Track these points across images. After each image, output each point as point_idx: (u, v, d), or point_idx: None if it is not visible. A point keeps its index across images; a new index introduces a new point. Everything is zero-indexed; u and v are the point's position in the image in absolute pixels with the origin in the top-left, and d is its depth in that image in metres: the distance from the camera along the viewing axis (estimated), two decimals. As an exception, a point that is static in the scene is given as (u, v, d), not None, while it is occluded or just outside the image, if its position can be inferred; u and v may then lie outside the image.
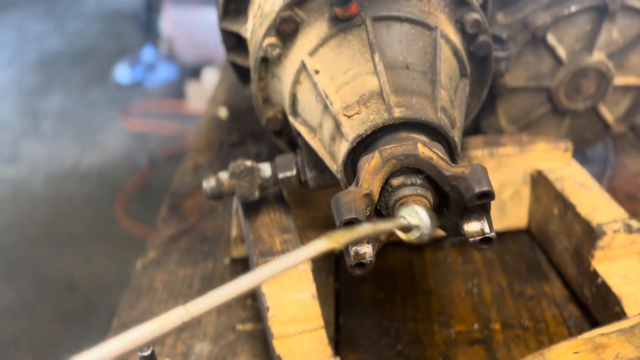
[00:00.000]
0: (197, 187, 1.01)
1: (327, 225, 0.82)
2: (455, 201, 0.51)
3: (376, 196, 0.51)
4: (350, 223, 0.48)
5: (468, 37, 0.65)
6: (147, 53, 4.23)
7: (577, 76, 0.86)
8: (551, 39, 0.83)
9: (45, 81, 4.30)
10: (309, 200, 0.80)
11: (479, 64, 0.68)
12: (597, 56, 0.85)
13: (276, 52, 0.64)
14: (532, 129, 0.92)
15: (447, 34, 0.62)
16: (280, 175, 0.67)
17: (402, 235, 0.47)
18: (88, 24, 5.18)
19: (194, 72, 3.84)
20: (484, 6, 0.78)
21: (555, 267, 0.80)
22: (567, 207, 0.75)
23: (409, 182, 0.51)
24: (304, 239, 0.74)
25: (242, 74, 0.82)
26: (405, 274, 0.80)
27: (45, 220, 3.02)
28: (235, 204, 0.77)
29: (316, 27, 0.62)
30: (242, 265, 0.82)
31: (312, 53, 0.61)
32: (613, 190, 0.96)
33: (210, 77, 3.74)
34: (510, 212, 0.86)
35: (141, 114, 3.89)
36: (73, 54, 4.69)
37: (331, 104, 0.58)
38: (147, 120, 3.79)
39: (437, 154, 0.51)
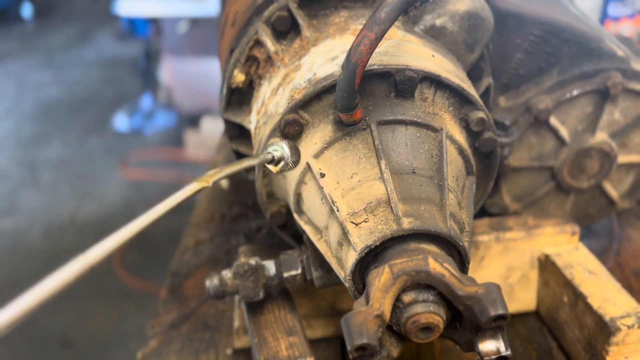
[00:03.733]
0: (198, 265, 1.00)
1: (331, 313, 0.81)
2: (469, 319, 0.50)
3: (388, 315, 0.49)
4: (362, 349, 0.47)
5: (473, 134, 0.65)
6: (146, 102, 4.27)
7: (581, 156, 0.86)
8: (554, 120, 0.83)
9: (44, 130, 4.32)
10: (313, 289, 0.78)
11: (484, 158, 0.68)
12: (600, 136, 0.85)
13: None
14: (537, 206, 0.91)
15: (452, 134, 0.62)
16: (285, 274, 0.66)
17: (271, 168, 0.56)
18: (87, 72, 5.24)
19: (192, 120, 3.86)
20: (486, 92, 0.78)
21: (567, 355, 0.78)
22: (577, 296, 0.73)
23: (421, 299, 0.50)
24: (307, 328, 0.72)
25: (245, 160, 0.81)
26: (413, 366, 0.78)
27: (41, 273, 2.94)
28: (239, 293, 0.76)
29: (321, 130, 0.62)
30: (245, 357, 0.80)
31: (317, 155, 0.61)
32: (620, 267, 0.94)
33: (209, 126, 3.76)
34: (519, 295, 0.84)
35: (140, 162, 3.89)
36: (72, 102, 4.72)
37: (338, 210, 0.57)
38: (146, 169, 3.80)
39: (449, 271, 0.50)
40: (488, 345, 0.50)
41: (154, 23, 3.91)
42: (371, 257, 0.55)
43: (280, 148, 0.56)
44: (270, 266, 0.66)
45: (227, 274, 0.66)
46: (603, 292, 0.72)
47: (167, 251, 1.47)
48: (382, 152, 0.58)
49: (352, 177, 0.58)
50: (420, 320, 0.49)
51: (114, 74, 5.14)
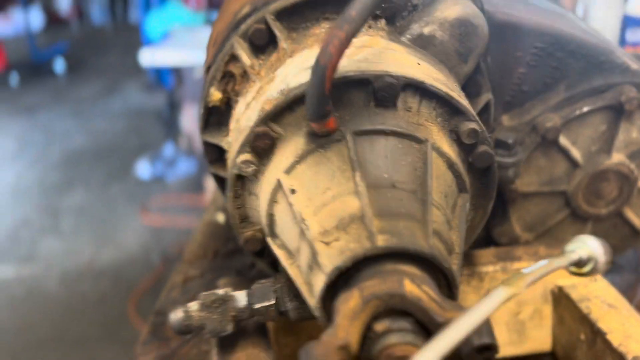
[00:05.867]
0: (184, 303, 0.93)
1: (320, 354, 0.73)
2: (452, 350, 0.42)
3: (355, 346, 0.42)
4: (320, 386, 0.40)
5: (466, 148, 0.58)
6: (168, 149, 4.31)
7: (597, 179, 0.78)
8: (564, 140, 0.76)
9: (68, 179, 4.37)
10: (299, 326, 0.71)
11: (481, 176, 0.61)
12: (617, 157, 0.78)
13: (251, 169, 0.58)
14: (551, 235, 0.83)
15: (439, 146, 0.55)
16: (257, 306, 0.59)
17: (577, 270, 0.47)
18: (113, 122, 5.35)
19: (213, 166, 3.86)
20: (485, 110, 0.72)
21: (589, 403, 0.69)
22: (595, 333, 0.64)
23: (396, 327, 0.43)
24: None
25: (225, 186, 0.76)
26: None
27: (56, 321, 2.94)
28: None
29: (293, 143, 0.56)
30: (225, 402, 0.72)
31: (288, 171, 0.55)
32: (649, 304, 0.85)
33: (228, 172, 3.74)
34: (531, 333, 0.75)
35: (160, 208, 3.88)
36: (97, 151, 4.80)
37: (307, 228, 0.51)
38: (165, 215, 3.78)
39: (428, 294, 0.42)
40: (476, 384, 0.42)
41: (176, 72, 3.99)
42: (342, 281, 0.48)
43: (586, 245, 0.47)
44: (240, 297, 0.59)
45: (193, 305, 0.59)
46: (624, 327, 0.63)
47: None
48: (357, 164, 0.51)
49: (325, 193, 0.52)
50: (395, 352, 0.42)
51: (139, 123, 5.23)
